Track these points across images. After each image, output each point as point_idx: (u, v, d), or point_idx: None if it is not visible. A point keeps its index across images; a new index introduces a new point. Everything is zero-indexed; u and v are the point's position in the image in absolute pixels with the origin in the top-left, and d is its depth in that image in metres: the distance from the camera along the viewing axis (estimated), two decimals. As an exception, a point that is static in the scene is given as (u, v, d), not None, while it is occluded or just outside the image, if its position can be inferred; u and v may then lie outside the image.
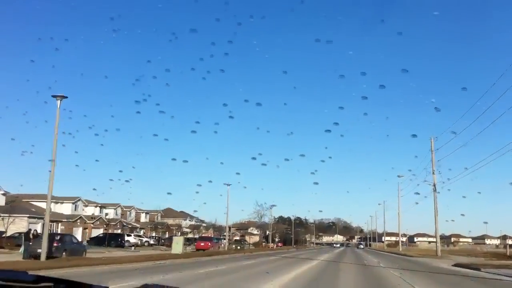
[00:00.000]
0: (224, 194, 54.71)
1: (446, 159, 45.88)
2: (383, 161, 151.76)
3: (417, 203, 56.93)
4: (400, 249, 73.11)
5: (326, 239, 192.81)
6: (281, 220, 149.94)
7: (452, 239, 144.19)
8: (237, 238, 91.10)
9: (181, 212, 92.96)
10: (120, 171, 29.41)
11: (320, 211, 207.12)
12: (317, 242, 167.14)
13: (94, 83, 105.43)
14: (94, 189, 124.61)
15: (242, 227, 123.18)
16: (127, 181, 17.55)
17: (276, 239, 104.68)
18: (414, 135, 58.08)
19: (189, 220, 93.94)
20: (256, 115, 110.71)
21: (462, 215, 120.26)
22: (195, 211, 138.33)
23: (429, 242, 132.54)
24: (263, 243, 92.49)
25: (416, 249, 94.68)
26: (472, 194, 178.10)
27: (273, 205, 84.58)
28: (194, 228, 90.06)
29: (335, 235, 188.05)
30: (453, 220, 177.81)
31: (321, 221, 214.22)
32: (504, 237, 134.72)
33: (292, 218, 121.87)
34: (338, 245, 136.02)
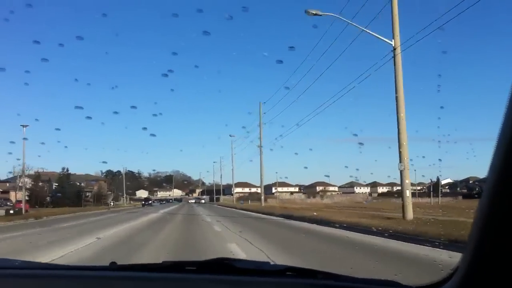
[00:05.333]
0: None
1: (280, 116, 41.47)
2: (217, 117, 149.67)
3: (251, 160, 48.75)
4: (262, 204, 47.35)
5: (161, 194, 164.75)
6: (110, 174, 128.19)
7: (318, 188, 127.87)
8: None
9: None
10: None
11: (154, 170, 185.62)
12: (143, 198, 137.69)
13: None
14: None
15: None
16: None
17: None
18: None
19: None
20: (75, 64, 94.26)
21: (305, 167, 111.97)
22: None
23: (291, 192, 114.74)
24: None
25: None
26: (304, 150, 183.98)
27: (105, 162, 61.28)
28: None
29: (173, 190, 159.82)
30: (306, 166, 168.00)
31: (157, 174, 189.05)
32: (374, 185, 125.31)
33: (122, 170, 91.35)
34: (163, 202, 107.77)
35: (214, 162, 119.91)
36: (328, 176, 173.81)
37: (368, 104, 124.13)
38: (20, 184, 51.91)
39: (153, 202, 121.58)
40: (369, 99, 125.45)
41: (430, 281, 1.46)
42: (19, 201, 49.85)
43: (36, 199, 63.15)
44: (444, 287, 1.31)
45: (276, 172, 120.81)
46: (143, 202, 76.38)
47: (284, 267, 1.71)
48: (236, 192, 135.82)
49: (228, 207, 61.25)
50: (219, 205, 74.96)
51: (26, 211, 44.78)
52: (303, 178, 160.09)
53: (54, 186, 68.45)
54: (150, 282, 1.61)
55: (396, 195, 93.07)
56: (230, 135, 52.42)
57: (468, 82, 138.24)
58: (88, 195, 73.76)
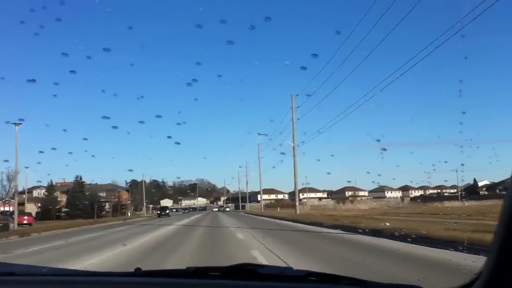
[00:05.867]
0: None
1: (301, 121, 41.17)
2: (240, 125, 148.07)
3: (273, 167, 36.33)
4: (298, 212, 40.65)
5: (186, 202, 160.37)
6: (135, 184, 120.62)
7: (347, 193, 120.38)
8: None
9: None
10: None
11: (178, 178, 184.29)
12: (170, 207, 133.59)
13: None
14: None
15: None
16: None
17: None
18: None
19: None
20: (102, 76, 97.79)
21: (328, 173, 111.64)
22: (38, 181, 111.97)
23: (320, 198, 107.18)
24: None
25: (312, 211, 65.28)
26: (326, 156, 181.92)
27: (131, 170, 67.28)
28: None
29: (198, 199, 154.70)
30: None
31: (181, 183, 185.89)
32: (405, 188, 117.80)
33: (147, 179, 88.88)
34: (186, 211, 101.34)
35: (239, 167, 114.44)
36: (350, 182, 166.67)
37: (390, 110, 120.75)
38: (23, 195, 47.11)
39: (173, 210, 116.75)
40: (390, 105, 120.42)
41: (451, 286, 1.43)
42: (26, 214, 44.88)
43: (49, 211, 58.48)
44: None
45: (306, 177, 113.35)
46: (159, 212, 63.20)
47: (306, 272, 1.69)
48: (263, 199, 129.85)
49: (257, 215, 54.77)
50: (246, 213, 68.42)
51: (30, 224, 41.72)
52: (327, 184, 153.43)
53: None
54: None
55: (430, 200, 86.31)
56: (258, 133, 45.86)
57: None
58: (105, 206, 68.68)
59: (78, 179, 62.28)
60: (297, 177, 39.24)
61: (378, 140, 30.33)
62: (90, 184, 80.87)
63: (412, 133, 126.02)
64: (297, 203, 41.22)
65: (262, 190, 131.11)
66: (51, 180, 59.36)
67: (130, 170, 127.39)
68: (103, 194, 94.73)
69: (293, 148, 39.36)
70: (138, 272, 1.83)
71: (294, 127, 39.26)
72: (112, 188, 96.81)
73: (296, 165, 39.15)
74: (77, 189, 59.04)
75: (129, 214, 58.13)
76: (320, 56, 36.75)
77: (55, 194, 61.79)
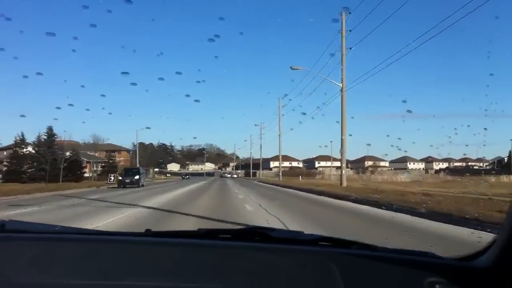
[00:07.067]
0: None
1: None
2: (259, 85, 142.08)
3: (292, 129, 38.19)
4: (344, 183, 27.49)
5: (193, 168, 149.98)
6: (142, 147, 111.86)
7: (367, 163, 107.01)
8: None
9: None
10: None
11: (195, 137, 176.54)
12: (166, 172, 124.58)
13: None
14: None
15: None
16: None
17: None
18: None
19: None
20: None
21: (350, 135, 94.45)
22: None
23: (337, 168, 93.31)
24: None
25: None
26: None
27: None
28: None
29: (205, 164, 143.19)
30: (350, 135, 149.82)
31: (190, 148, 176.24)
32: (428, 160, 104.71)
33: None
34: (187, 177, 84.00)
35: (255, 125, 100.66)
36: (369, 145, 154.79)
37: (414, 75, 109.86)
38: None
39: (168, 175, 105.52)
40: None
41: (467, 253, 1.47)
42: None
43: (15, 172, 46.39)
44: (480, 259, 1.34)
45: (331, 141, 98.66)
46: (121, 179, 38.15)
47: (318, 236, 1.72)
48: (275, 167, 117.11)
49: (277, 185, 41.97)
50: (261, 181, 55.54)
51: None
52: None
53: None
54: (185, 247, 1.63)
55: (468, 173, 73.39)
56: (291, 68, 29.00)
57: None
58: (85, 167, 56.11)
59: (44, 134, 48.58)
60: (345, 127, 26.17)
61: (404, 101, 26.01)
62: (78, 142, 69.05)
63: (436, 103, 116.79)
64: (343, 171, 27.87)
65: (275, 156, 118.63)
66: (38, 136, 46.90)
67: (148, 128, 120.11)
68: (97, 154, 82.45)
69: (342, 87, 25.98)
70: (148, 233, 1.84)
71: (344, 54, 25.72)
72: (113, 149, 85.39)
73: (344, 110, 25.84)
74: (42, 145, 45.76)
75: (112, 178, 45.33)
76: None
77: (24, 151, 49.34)
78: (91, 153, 77.17)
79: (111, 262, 1.54)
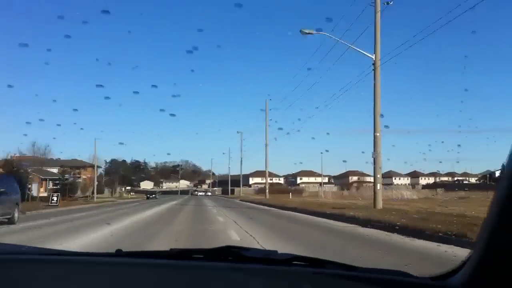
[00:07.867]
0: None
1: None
2: (235, 101, 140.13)
3: (275, 139, 52.44)
4: (380, 205, 21.82)
5: (167, 185, 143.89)
6: (115, 164, 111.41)
7: (351, 179, 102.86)
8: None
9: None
10: None
11: (168, 154, 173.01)
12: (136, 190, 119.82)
13: None
14: None
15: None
16: None
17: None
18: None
19: None
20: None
21: (327, 151, 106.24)
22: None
23: (320, 183, 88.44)
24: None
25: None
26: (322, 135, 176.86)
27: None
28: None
29: (180, 181, 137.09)
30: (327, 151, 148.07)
31: (164, 165, 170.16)
32: (414, 175, 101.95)
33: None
34: (153, 196, 75.08)
35: (237, 132, 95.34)
36: (345, 162, 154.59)
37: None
38: None
39: (132, 193, 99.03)
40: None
41: (440, 272, 1.45)
42: None
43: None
44: (454, 277, 1.34)
45: (325, 149, 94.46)
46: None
47: (291, 255, 1.68)
48: (255, 183, 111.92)
49: (258, 204, 36.76)
50: (242, 200, 50.00)
51: None
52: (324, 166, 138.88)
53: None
54: (157, 269, 1.59)
55: (456, 188, 70.57)
56: (304, 31, 21.95)
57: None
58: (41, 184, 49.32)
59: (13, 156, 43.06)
60: (378, 116, 20.69)
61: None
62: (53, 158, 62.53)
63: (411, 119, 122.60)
64: (379, 186, 21.72)
65: (254, 172, 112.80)
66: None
67: (121, 143, 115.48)
68: (56, 171, 75.00)
69: (374, 60, 21.47)
70: (120, 253, 1.81)
71: (377, 18, 21.03)
72: (79, 165, 78.53)
73: (379, 90, 20.85)
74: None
75: (55, 199, 38.76)
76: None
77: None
78: (48, 169, 70.00)
79: (81, 285, 1.48)
